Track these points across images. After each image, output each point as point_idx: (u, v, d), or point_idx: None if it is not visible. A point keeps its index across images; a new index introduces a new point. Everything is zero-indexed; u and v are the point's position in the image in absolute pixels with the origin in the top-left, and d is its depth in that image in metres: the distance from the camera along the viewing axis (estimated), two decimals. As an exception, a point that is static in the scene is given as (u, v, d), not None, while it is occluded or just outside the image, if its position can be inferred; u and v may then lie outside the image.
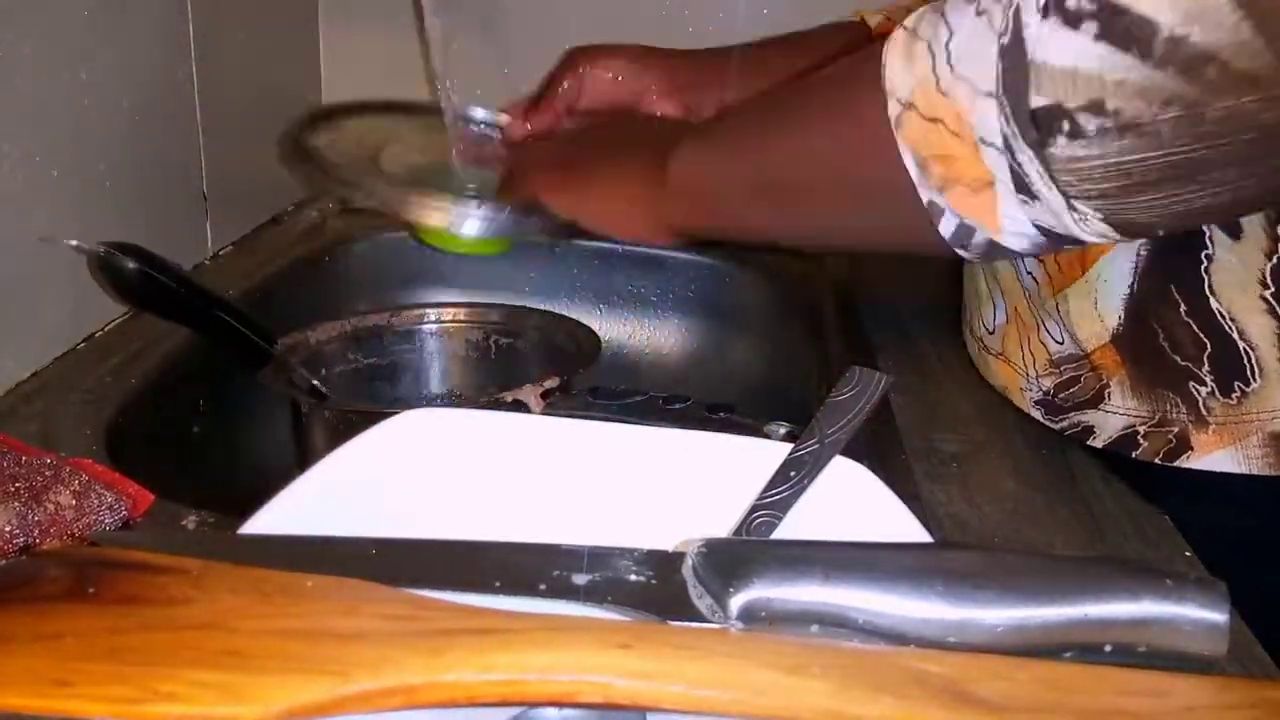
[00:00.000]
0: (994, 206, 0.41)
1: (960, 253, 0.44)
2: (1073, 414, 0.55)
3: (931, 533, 0.37)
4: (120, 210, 0.61)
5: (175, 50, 0.65)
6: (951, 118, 0.40)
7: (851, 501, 0.37)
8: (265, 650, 0.27)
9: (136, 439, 0.55)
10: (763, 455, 0.39)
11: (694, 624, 0.31)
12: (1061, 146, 0.38)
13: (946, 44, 0.40)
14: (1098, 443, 0.54)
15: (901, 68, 0.42)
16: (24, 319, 0.55)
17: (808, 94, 0.50)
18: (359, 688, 0.26)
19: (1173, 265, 0.50)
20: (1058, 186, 0.39)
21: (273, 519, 0.35)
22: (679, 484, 0.39)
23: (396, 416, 0.39)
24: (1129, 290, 0.51)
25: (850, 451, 0.39)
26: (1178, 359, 0.50)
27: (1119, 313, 0.52)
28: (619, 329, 0.85)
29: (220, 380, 0.65)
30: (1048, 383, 0.57)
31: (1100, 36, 0.36)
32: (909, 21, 0.43)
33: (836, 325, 0.72)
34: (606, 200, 0.60)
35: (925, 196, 0.42)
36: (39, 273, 0.56)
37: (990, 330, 0.61)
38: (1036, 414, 0.58)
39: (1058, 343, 0.55)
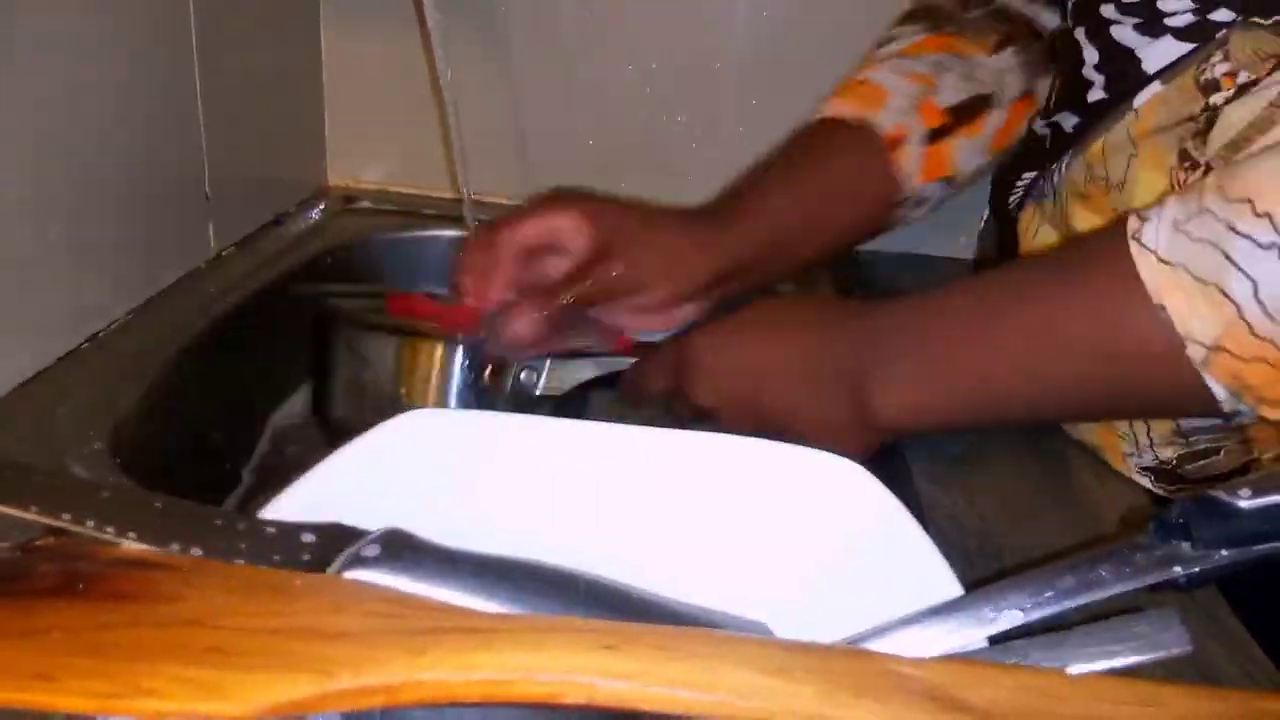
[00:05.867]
0: None
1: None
2: (1200, 487, 0.50)
3: (931, 533, 0.36)
4: (122, 211, 0.62)
5: (177, 50, 0.66)
6: (1275, 356, 0.40)
7: (850, 502, 0.37)
8: (248, 648, 0.27)
9: (139, 439, 0.55)
10: (763, 458, 0.39)
11: (683, 627, 0.31)
12: None
13: (1255, 295, 0.40)
14: None
15: (1195, 314, 0.42)
16: (26, 319, 0.55)
17: (1051, 322, 0.47)
18: (340, 686, 0.26)
19: None
20: None
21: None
22: (680, 486, 0.39)
23: (397, 417, 0.39)
24: None
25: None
26: None
27: None
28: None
29: (223, 381, 0.65)
30: (1168, 452, 0.53)
31: None
32: (1163, 249, 0.42)
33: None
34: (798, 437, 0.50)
35: (1229, 406, 0.43)
36: (41, 273, 0.56)
37: None
38: (1144, 480, 0.54)
39: None
